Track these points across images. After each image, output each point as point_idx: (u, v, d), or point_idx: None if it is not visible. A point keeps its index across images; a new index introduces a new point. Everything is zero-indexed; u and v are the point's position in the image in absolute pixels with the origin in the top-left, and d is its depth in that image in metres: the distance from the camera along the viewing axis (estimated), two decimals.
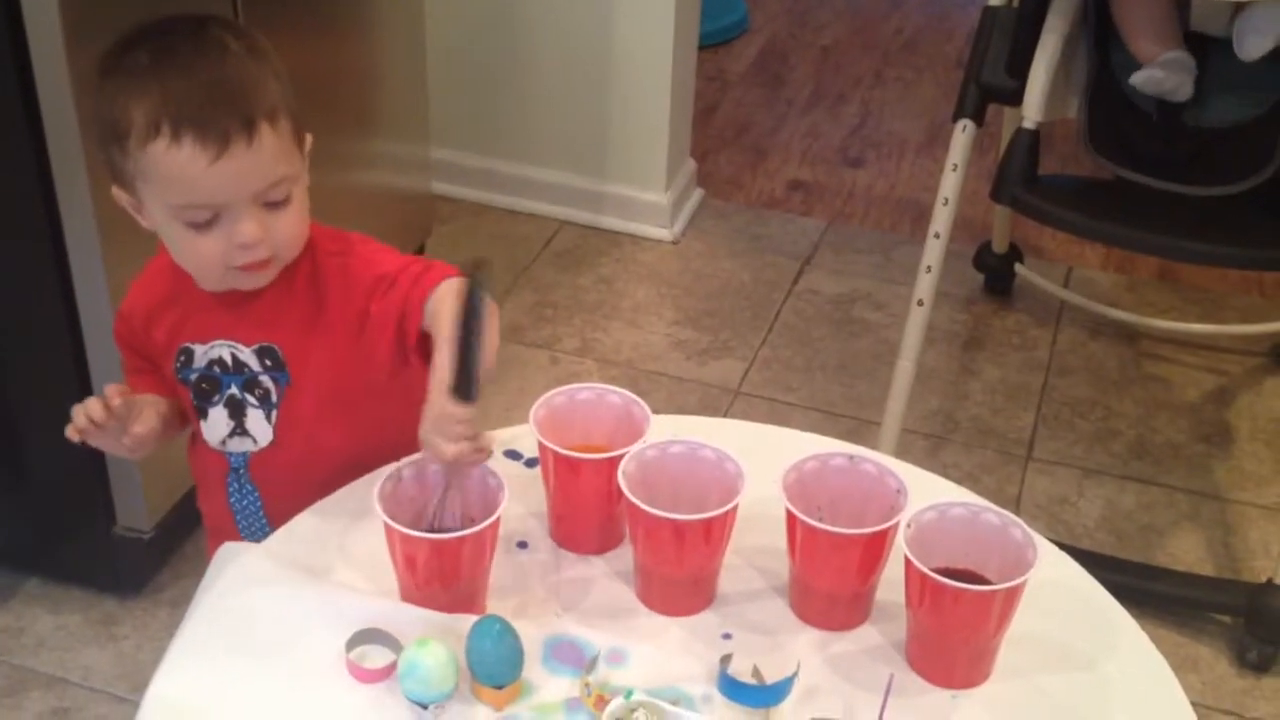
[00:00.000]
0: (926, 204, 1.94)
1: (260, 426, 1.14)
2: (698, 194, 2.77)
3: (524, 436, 1.18)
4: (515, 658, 0.93)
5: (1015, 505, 2.06)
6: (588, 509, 1.06)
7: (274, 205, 1.06)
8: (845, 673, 0.98)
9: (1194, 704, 1.71)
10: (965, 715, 0.95)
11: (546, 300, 2.47)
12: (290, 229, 1.08)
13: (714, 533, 0.99)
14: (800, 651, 0.99)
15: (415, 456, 1.02)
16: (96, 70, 1.07)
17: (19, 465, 1.78)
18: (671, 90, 2.50)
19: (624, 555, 1.07)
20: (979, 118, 1.93)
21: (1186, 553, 2.00)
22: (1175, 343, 2.44)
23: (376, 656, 0.95)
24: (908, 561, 0.95)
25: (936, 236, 1.92)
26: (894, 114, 3.20)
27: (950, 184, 1.92)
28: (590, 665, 0.95)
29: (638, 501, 0.98)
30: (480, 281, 0.97)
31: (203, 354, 1.14)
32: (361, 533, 1.05)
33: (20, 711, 1.69)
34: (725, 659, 0.96)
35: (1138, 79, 1.82)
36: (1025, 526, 0.98)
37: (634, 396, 1.09)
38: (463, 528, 0.98)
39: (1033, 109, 1.82)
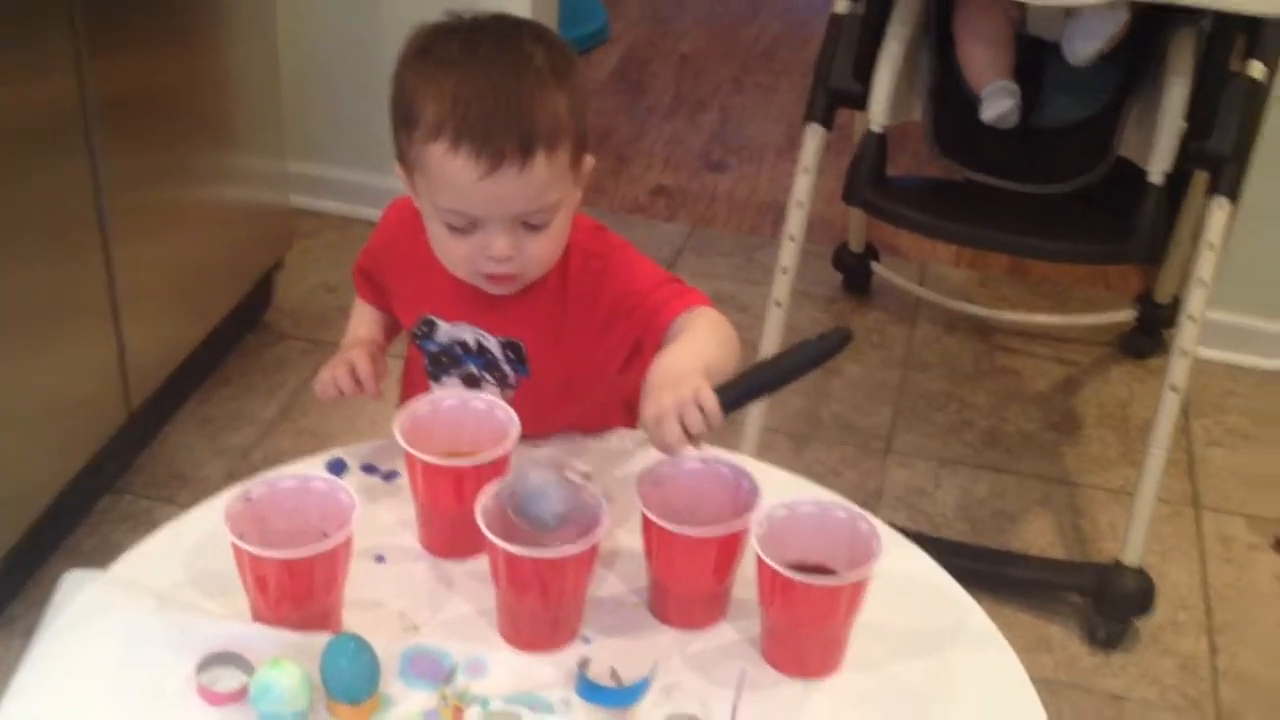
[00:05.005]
0: (786, 206, 1.98)
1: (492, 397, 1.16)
2: None
3: (381, 451, 1.17)
4: (371, 673, 0.93)
5: (876, 498, 2.11)
6: (453, 515, 1.05)
7: (532, 227, 1.08)
8: (703, 670, 1.00)
9: (1047, 682, 1.79)
10: (817, 705, 0.97)
11: None
12: (542, 252, 1.10)
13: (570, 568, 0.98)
14: (658, 652, 1.00)
15: (266, 475, 1.01)
16: (406, 44, 1.09)
17: None
18: None
19: (484, 563, 1.07)
20: (828, 122, 1.97)
21: (1039, 537, 2.07)
22: (1026, 335, 2.53)
23: (228, 679, 0.94)
24: (759, 559, 0.97)
25: (791, 239, 1.96)
26: (754, 120, 3.26)
27: (802, 187, 1.96)
28: (448, 676, 0.95)
29: (495, 538, 0.96)
30: (830, 348, 0.99)
31: (446, 332, 1.18)
32: (212, 554, 1.03)
33: None
34: (583, 663, 0.97)
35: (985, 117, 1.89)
36: (870, 519, 1.01)
37: (498, 401, 1.10)
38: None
39: (878, 113, 1.87)
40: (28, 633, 1.83)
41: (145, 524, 1.95)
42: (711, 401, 0.99)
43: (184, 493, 2.01)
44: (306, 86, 2.55)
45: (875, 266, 2.58)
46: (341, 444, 1.20)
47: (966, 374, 2.42)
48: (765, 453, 2.01)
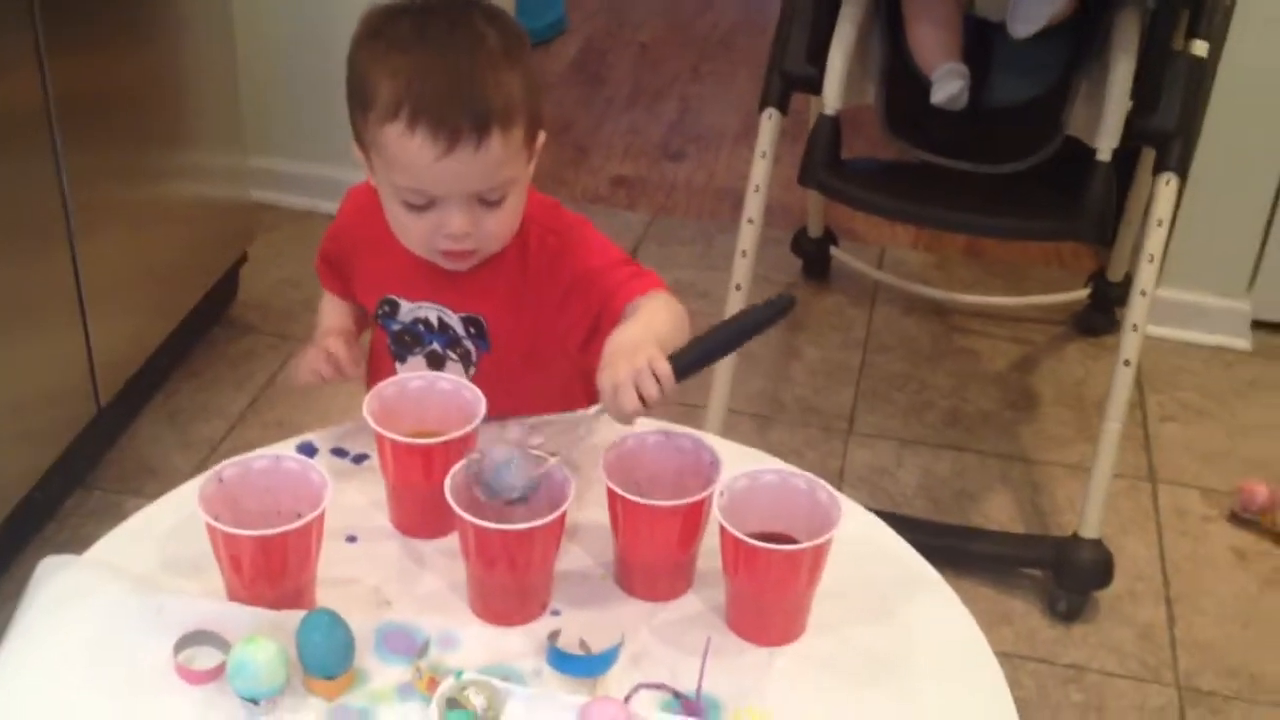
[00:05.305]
0: (745, 192, 2.01)
1: (458, 377, 1.18)
2: None
3: (350, 434, 1.19)
4: (345, 649, 0.95)
5: (839, 478, 2.15)
6: (422, 493, 1.07)
7: (488, 203, 1.10)
8: (670, 639, 1.02)
9: (1008, 655, 1.83)
10: (781, 670, 1.00)
11: None
12: (499, 227, 1.13)
13: (537, 540, 1.00)
14: (626, 622, 1.03)
15: (238, 458, 1.03)
16: (359, 26, 1.10)
17: None
18: None
19: (454, 541, 1.09)
20: (784, 106, 2.00)
21: (999, 513, 2.11)
22: (983, 316, 2.57)
23: (205, 657, 0.95)
24: (722, 528, 1.00)
25: (750, 222, 1.99)
26: (711, 108, 3.28)
27: (759, 171, 1.98)
28: (422, 651, 0.98)
29: (464, 513, 0.98)
30: (775, 313, 1.03)
31: (408, 310, 1.20)
32: (185, 538, 1.05)
33: None
34: (553, 634, 0.99)
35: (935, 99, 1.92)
36: (830, 488, 1.03)
37: (464, 382, 1.12)
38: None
39: (832, 96, 1.90)
40: (0, 627, 1.84)
41: (115, 518, 1.92)
42: (665, 368, 1.03)
43: (153, 486, 2.01)
44: (265, 82, 2.56)
45: (834, 251, 2.61)
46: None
47: (926, 355, 2.46)
48: (728, 435, 2.01)
